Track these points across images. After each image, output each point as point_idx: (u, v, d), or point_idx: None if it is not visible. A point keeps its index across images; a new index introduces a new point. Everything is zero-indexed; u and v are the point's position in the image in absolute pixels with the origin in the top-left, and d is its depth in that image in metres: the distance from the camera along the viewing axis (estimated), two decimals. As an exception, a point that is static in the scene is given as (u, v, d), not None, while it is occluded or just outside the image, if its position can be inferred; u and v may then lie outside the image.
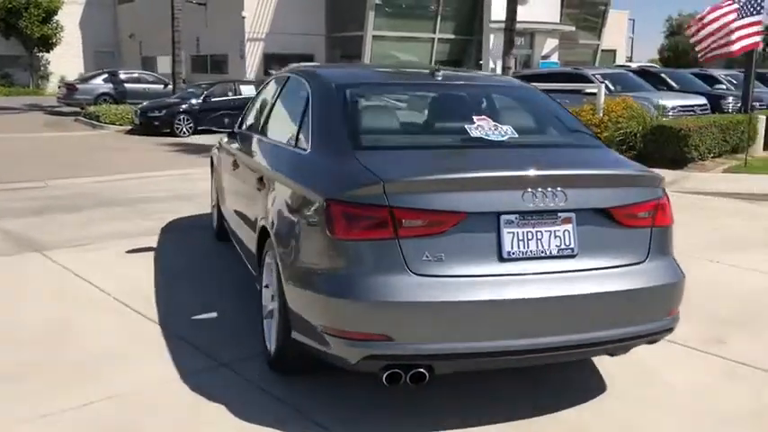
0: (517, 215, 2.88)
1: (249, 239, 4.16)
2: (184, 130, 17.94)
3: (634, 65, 35.21)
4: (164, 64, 35.34)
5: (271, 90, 4.69)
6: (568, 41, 36.08)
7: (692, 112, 14.17)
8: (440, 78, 3.89)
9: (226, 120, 18.56)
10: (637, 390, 3.42)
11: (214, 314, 4.41)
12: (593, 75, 15.45)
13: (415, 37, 31.79)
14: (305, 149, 3.49)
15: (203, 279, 5.15)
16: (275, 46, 30.45)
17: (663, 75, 17.61)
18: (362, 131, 3.37)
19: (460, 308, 2.78)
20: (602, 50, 40.01)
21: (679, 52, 55.30)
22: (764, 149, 12.81)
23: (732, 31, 10.43)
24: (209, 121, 18.34)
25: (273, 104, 4.42)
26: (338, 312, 2.87)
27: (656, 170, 3.39)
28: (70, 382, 3.44)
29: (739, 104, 14.47)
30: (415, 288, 2.78)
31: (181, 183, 9.78)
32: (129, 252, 5.80)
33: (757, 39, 10.61)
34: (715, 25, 10.60)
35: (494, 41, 32.86)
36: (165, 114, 18.01)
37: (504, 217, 2.86)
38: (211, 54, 32.96)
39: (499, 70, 32.99)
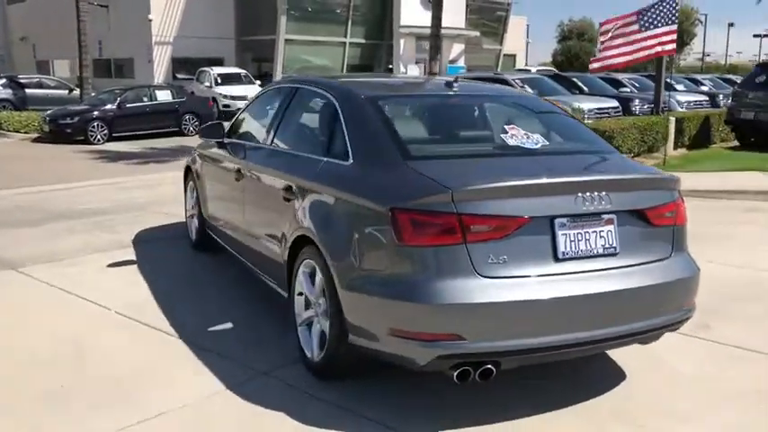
0: (569, 218, 3.11)
1: (269, 250, 4.20)
2: (99, 137, 17.27)
3: (533, 69, 36.78)
4: (62, 68, 33.84)
5: (275, 101, 4.71)
6: (473, 46, 37.24)
7: (606, 115, 15.08)
8: (457, 89, 4.08)
9: (145, 125, 18.15)
10: (650, 374, 3.73)
11: (229, 324, 4.40)
12: (514, 80, 16.10)
13: (328, 41, 31.90)
14: (345, 160, 3.58)
15: (200, 290, 5.11)
16: (184, 50, 29.77)
17: (574, 79, 18.55)
18: (406, 142, 3.50)
19: (525, 306, 2.98)
20: (504, 55, 41.58)
21: (571, 56, 58.14)
22: (675, 149, 13.79)
23: (647, 38, 11.20)
24: (124, 127, 17.81)
25: (284, 116, 4.46)
26: (409, 315, 3.00)
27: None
28: (115, 401, 3.39)
29: (646, 106, 15.54)
30: (483, 289, 2.95)
31: (117, 193, 9.53)
32: (110, 266, 5.65)
33: (672, 46, 11.43)
34: (627, 31, 11.36)
35: (404, 46, 33.47)
36: (78, 121, 17.28)
37: (557, 220, 3.09)
38: (115, 58, 31.81)
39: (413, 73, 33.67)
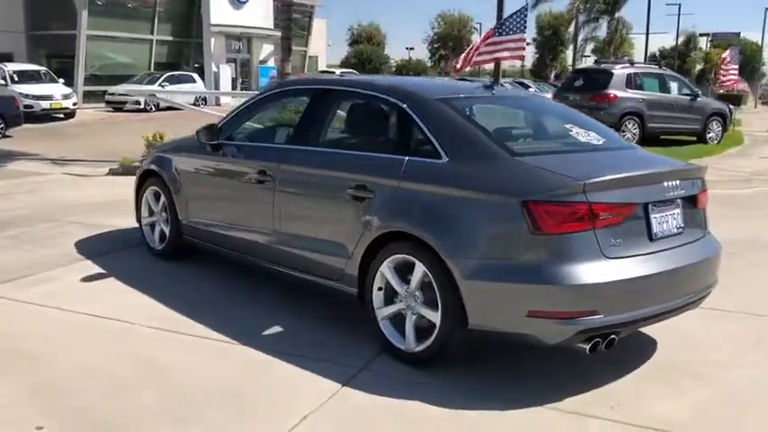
0: (657, 203, 3.63)
1: (321, 248, 4.24)
2: None
3: (337, 71, 37.81)
4: None
5: (300, 103, 4.73)
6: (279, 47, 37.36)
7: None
8: (497, 92, 4.44)
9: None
10: (673, 338, 4.38)
11: (279, 328, 4.36)
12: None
13: (133, 38, 30.21)
14: (436, 158, 3.79)
15: (208, 297, 4.92)
16: (-34, 43, 26.50)
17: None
18: (502, 139, 3.80)
19: (640, 281, 3.45)
20: (309, 56, 42.25)
21: (364, 59, 60.43)
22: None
23: (502, 42, 12.38)
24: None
25: (323, 117, 4.51)
26: (550, 297, 3.33)
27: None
28: (244, 414, 3.31)
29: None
30: (610, 269, 3.38)
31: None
32: (84, 280, 5.21)
33: (522, 52, 12.72)
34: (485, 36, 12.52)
35: (214, 45, 32.69)
36: None
37: (650, 206, 3.59)
38: None
39: (228, 76, 32.93)
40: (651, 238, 3.60)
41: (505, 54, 12.35)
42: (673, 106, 16.01)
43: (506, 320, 3.47)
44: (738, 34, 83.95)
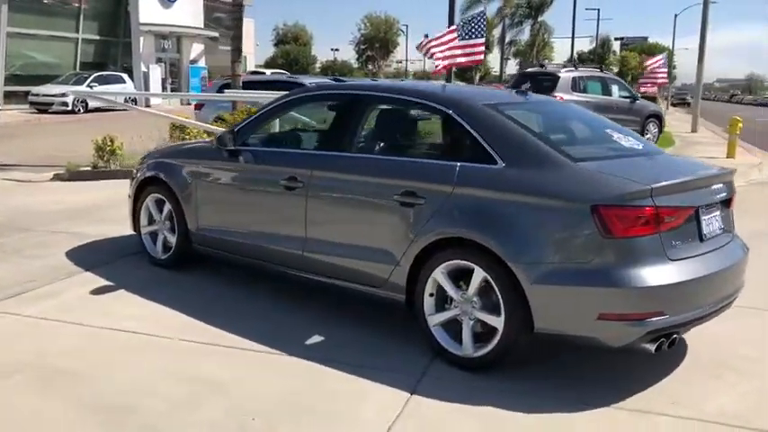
0: (705, 206, 3.78)
1: (363, 256, 4.20)
2: None
3: (268, 72, 37.39)
4: None
5: (329, 109, 4.67)
6: (211, 47, 36.60)
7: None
8: (533, 98, 4.51)
9: None
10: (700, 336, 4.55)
11: (319, 336, 4.29)
12: (309, 83, 16.52)
13: (58, 36, 28.95)
14: (491, 164, 3.81)
15: (229, 306, 4.78)
16: None
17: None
18: (557, 144, 3.86)
19: (699, 281, 3.58)
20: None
21: (291, 60, 60.03)
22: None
23: (464, 47, 12.56)
24: None
25: (358, 123, 4.47)
26: (621, 299, 3.41)
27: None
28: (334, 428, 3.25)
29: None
30: (674, 270, 3.49)
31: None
32: (93, 293, 4.97)
33: (481, 57, 12.93)
34: (440, 43, 12.65)
35: (144, 44, 31.71)
36: None
37: (701, 209, 3.74)
38: None
39: (158, 76, 31.97)
40: (701, 239, 3.74)
41: (464, 59, 12.55)
42: (614, 108, 16.59)
43: (575, 324, 3.53)
44: (646, 38, 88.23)
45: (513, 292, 3.60)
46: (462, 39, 12.70)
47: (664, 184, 3.53)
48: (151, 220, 5.75)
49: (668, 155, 4.44)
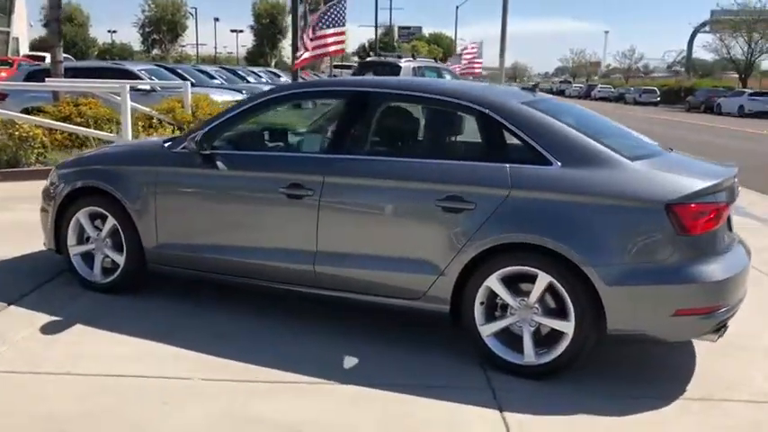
0: (731, 202, 3.95)
1: (397, 266, 3.91)
2: None
3: (48, 57, 33.77)
4: None
5: (329, 108, 4.23)
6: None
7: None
8: (539, 95, 4.45)
9: None
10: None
11: (354, 358, 3.92)
12: (139, 71, 15.20)
13: None
14: (545, 164, 3.70)
15: (230, 331, 4.20)
16: None
17: (179, 70, 18.27)
18: (608, 144, 3.82)
19: (742, 273, 3.77)
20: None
21: (67, 42, 54.88)
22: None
23: (322, 37, 12.23)
24: None
25: (372, 124, 4.15)
26: (696, 295, 3.51)
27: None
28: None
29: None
30: (730, 264, 3.66)
31: None
32: (45, 333, 4.10)
33: (342, 46, 12.68)
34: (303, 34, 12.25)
35: None
36: None
37: (730, 205, 3.92)
38: None
39: None
40: (729, 233, 3.95)
41: (331, 49, 12.21)
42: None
43: (650, 322, 3.55)
44: (420, 29, 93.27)
45: (584, 295, 3.55)
46: (323, 28, 12.35)
47: (719, 180, 3.67)
48: (82, 239, 4.88)
49: (680, 152, 4.59)
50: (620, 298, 3.52)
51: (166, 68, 17.34)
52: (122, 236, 4.67)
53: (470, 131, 4.15)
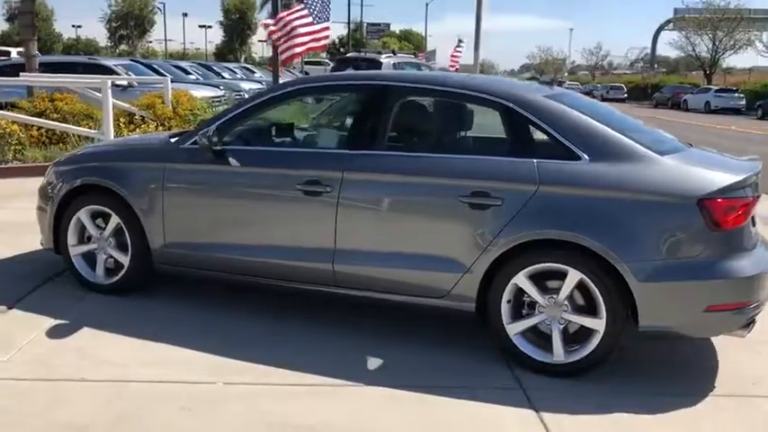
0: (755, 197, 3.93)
1: (419, 264, 3.82)
2: None
3: (13, 51, 33.06)
4: None
5: (343, 102, 4.13)
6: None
7: (218, 102, 15.28)
8: (557, 90, 4.39)
9: None
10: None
11: (378, 359, 3.81)
12: (115, 66, 14.85)
13: None
14: (574, 159, 3.64)
15: (255, 334, 4.07)
16: None
17: (155, 66, 17.91)
18: (635, 138, 3.76)
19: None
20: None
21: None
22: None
23: (306, 34, 12.02)
24: None
25: (390, 118, 4.01)
26: (728, 290, 3.47)
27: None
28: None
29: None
30: (758, 259, 3.63)
31: None
32: (51, 337, 3.93)
33: (325, 41, 12.51)
34: (288, 28, 12.00)
35: None
36: None
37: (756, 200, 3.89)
38: None
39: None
40: (753, 226, 3.93)
41: (314, 44, 12.02)
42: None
43: (681, 318, 3.52)
44: (389, 25, 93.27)
45: (616, 291, 3.50)
46: (314, 23, 12.13)
47: (748, 175, 3.64)
48: (83, 239, 4.70)
49: (702, 147, 4.55)
50: (653, 294, 3.48)
51: (142, 64, 16.96)
52: (127, 235, 4.51)
53: (492, 126, 4.07)
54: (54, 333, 3.99)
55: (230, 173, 4.24)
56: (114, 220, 4.54)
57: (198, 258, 4.36)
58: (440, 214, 3.82)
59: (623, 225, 3.52)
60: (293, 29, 11.71)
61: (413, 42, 67.64)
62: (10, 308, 4.35)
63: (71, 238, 4.68)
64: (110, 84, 10.34)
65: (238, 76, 22.92)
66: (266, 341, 3.99)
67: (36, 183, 5.05)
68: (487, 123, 4.19)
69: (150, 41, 72.23)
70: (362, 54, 17.46)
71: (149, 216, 4.41)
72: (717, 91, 39.87)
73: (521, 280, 3.67)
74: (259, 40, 68.24)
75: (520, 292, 3.72)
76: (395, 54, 17.82)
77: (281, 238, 4.16)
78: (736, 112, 36.36)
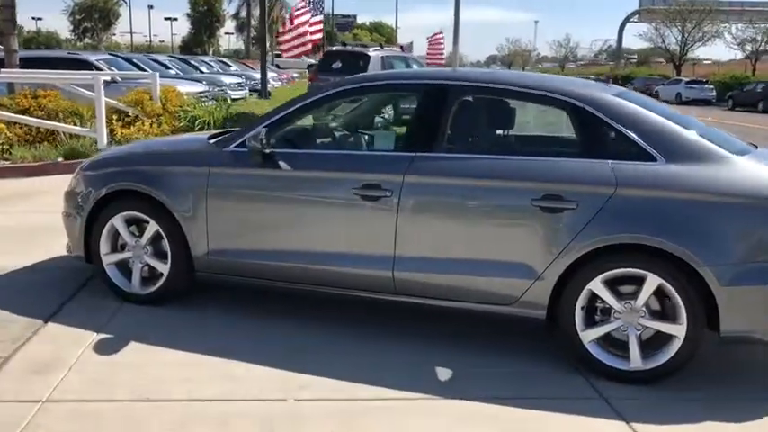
0: None
1: (489, 270, 3.69)
2: None
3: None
4: None
5: (407, 103, 3.98)
6: None
7: (205, 98, 14.97)
8: (613, 87, 4.28)
9: None
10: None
11: (447, 370, 3.67)
12: (97, 61, 14.44)
13: None
14: (649, 161, 3.54)
15: (312, 344, 3.90)
16: None
17: (135, 60, 17.48)
18: (705, 138, 3.68)
19: None
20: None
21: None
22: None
23: (311, 24, 11.84)
24: None
25: (455, 120, 3.89)
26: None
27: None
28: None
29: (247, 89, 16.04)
30: None
31: None
32: (101, 353, 3.71)
33: (320, 35, 12.30)
34: (300, 26, 11.81)
35: None
36: None
37: None
38: None
39: None
40: None
41: (314, 37, 11.80)
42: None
43: (763, 323, 3.44)
44: (355, 17, 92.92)
45: (696, 296, 3.41)
46: (316, 15, 11.93)
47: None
48: (116, 247, 4.47)
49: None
50: (735, 299, 3.40)
51: (123, 59, 16.52)
52: (167, 242, 4.29)
53: (556, 126, 3.96)
54: (101, 349, 3.77)
55: (281, 177, 4.05)
56: (153, 226, 4.31)
57: (244, 266, 4.17)
58: (510, 219, 3.70)
59: (704, 228, 3.43)
60: (302, 24, 11.51)
61: (383, 35, 67.37)
62: (46, 321, 4.11)
63: (104, 246, 4.44)
64: (102, 80, 10.02)
65: (215, 69, 22.52)
66: (328, 352, 3.83)
67: (29, 183, 4.81)
68: (550, 123, 4.06)
69: (114, 34, 70.81)
70: (349, 48, 17.24)
71: (192, 222, 4.20)
72: (688, 83, 40.48)
73: (597, 286, 3.56)
74: (226, 33, 67.37)
75: (594, 297, 3.61)
76: (382, 48, 17.61)
77: (335, 244, 3.98)
78: (706, 103, 36.95)
